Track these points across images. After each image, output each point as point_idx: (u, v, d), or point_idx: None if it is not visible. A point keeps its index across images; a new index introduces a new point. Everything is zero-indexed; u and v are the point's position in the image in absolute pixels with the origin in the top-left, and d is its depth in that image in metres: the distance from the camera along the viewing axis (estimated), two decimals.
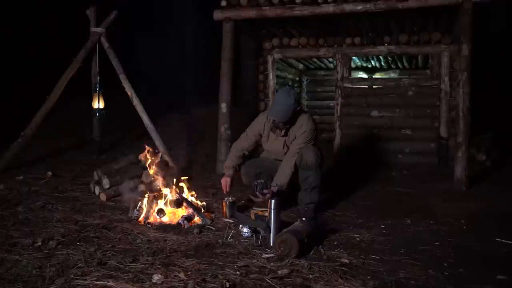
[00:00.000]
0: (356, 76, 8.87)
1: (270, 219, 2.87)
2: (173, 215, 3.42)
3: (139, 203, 3.46)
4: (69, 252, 2.60)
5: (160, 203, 3.43)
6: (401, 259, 2.66)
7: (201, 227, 3.18)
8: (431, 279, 2.36)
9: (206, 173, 5.45)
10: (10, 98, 7.49)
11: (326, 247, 2.84)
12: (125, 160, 4.57)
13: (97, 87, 5.93)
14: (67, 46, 5.90)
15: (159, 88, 9.61)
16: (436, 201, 4.20)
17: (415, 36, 6.36)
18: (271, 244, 2.79)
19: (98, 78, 5.93)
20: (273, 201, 2.90)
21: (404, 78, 7.15)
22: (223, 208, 3.54)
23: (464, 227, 3.38)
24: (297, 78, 10.04)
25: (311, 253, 2.69)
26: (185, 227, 3.18)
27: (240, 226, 3.07)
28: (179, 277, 2.25)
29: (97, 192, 4.11)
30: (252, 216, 3.33)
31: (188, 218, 3.29)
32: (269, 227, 2.86)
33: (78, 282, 2.17)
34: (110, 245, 2.75)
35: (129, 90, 5.36)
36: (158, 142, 5.23)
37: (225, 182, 3.74)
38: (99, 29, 5.55)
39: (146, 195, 3.47)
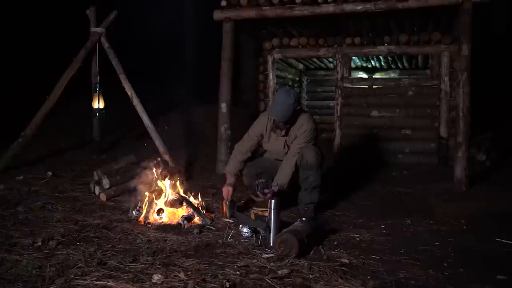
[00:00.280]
0: (356, 76, 8.87)
1: (270, 219, 2.87)
2: (173, 215, 3.42)
3: (139, 203, 3.46)
4: (69, 252, 2.60)
5: (160, 203, 3.43)
6: (401, 259, 2.66)
7: (201, 227, 3.18)
8: (431, 279, 2.36)
9: (206, 173, 5.45)
10: (10, 98, 7.49)
11: (326, 247, 2.84)
12: (125, 160, 4.57)
13: (97, 87, 5.92)
14: (67, 46, 5.90)
15: (159, 87, 9.62)
16: (436, 201, 4.20)
17: (415, 36, 6.36)
18: (271, 244, 2.79)
19: (98, 78, 5.92)
20: (273, 201, 2.90)
21: (404, 78, 7.15)
22: (223, 208, 3.54)
23: (464, 227, 3.38)
24: (297, 78, 10.04)
25: (311, 253, 2.69)
26: (185, 227, 3.18)
27: (240, 226, 3.07)
28: (179, 277, 2.25)
29: (97, 192, 4.10)
30: (252, 216, 3.33)
31: (188, 218, 3.29)
32: (269, 227, 2.86)
33: (78, 282, 2.17)
34: (110, 245, 2.75)
35: (129, 90, 5.36)
36: (158, 142, 5.22)
37: (226, 191, 3.66)
38: (99, 29, 5.55)
39: (146, 195, 3.47)
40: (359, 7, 4.96)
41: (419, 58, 8.38)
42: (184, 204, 3.45)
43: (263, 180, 3.55)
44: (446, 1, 4.74)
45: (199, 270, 2.35)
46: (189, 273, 2.30)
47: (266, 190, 3.47)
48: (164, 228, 3.18)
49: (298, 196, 3.62)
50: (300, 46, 6.97)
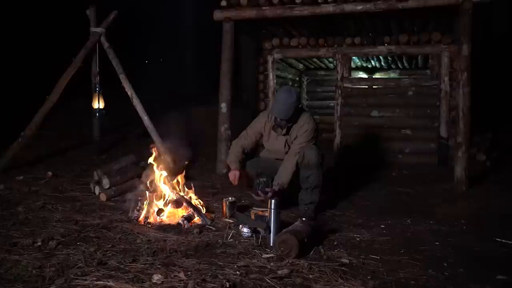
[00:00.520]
0: (356, 76, 8.86)
1: (270, 219, 2.87)
2: (173, 215, 3.42)
3: (139, 203, 3.46)
4: (69, 252, 2.60)
5: (160, 203, 3.43)
6: (401, 259, 2.66)
7: (201, 227, 3.18)
8: (431, 279, 2.36)
9: (206, 173, 5.45)
10: (10, 98, 7.50)
11: (326, 247, 2.84)
12: (125, 160, 4.57)
13: (97, 87, 5.93)
14: (67, 46, 5.90)
15: (160, 88, 9.62)
16: (436, 201, 4.20)
17: (415, 36, 6.36)
18: (271, 244, 2.79)
19: (98, 78, 5.93)
20: (273, 201, 2.90)
21: (404, 78, 7.14)
22: (223, 208, 3.55)
23: (464, 227, 3.38)
24: (297, 78, 10.04)
25: (311, 253, 2.69)
26: (185, 227, 3.18)
27: (240, 226, 3.07)
28: (179, 277, 2.25)
29: (97, 192, 4.11)
30: (252, 216, 3.33)
31: (188, 218, 3.29)
32: (269, 227, 2.86)
33: (78, 282, 2.17)
34: (110, 245, 2.75)
35: (129, 90, 5.36)
36: (158, 142, 5.22)
37: (233, 175, 3.75)
38: (99, 29, 5.55)
39: (146, 195, 3.47)
40: (359, 7, 4.96)
41: (419, 58, 8.37)
42: (184, 204, 3.45)
43: (264, 179, 3.57)
44: (446, 1, 4.74)
45: (199, 270, 2.36)
46: (189, 273, 2.31)
47: (267, 189, 3.48)
48: (164, 228, 3.18)
49: (298, 196, 3.62)
50: (300, 46, 6.97)
